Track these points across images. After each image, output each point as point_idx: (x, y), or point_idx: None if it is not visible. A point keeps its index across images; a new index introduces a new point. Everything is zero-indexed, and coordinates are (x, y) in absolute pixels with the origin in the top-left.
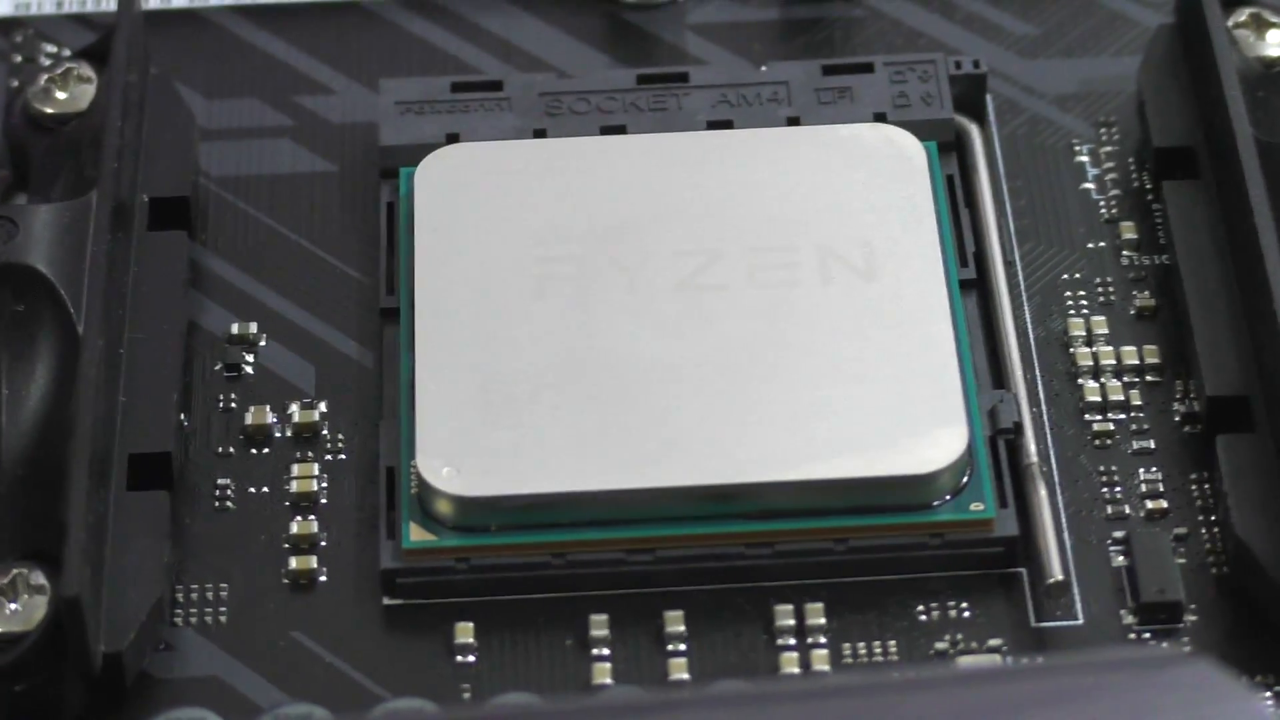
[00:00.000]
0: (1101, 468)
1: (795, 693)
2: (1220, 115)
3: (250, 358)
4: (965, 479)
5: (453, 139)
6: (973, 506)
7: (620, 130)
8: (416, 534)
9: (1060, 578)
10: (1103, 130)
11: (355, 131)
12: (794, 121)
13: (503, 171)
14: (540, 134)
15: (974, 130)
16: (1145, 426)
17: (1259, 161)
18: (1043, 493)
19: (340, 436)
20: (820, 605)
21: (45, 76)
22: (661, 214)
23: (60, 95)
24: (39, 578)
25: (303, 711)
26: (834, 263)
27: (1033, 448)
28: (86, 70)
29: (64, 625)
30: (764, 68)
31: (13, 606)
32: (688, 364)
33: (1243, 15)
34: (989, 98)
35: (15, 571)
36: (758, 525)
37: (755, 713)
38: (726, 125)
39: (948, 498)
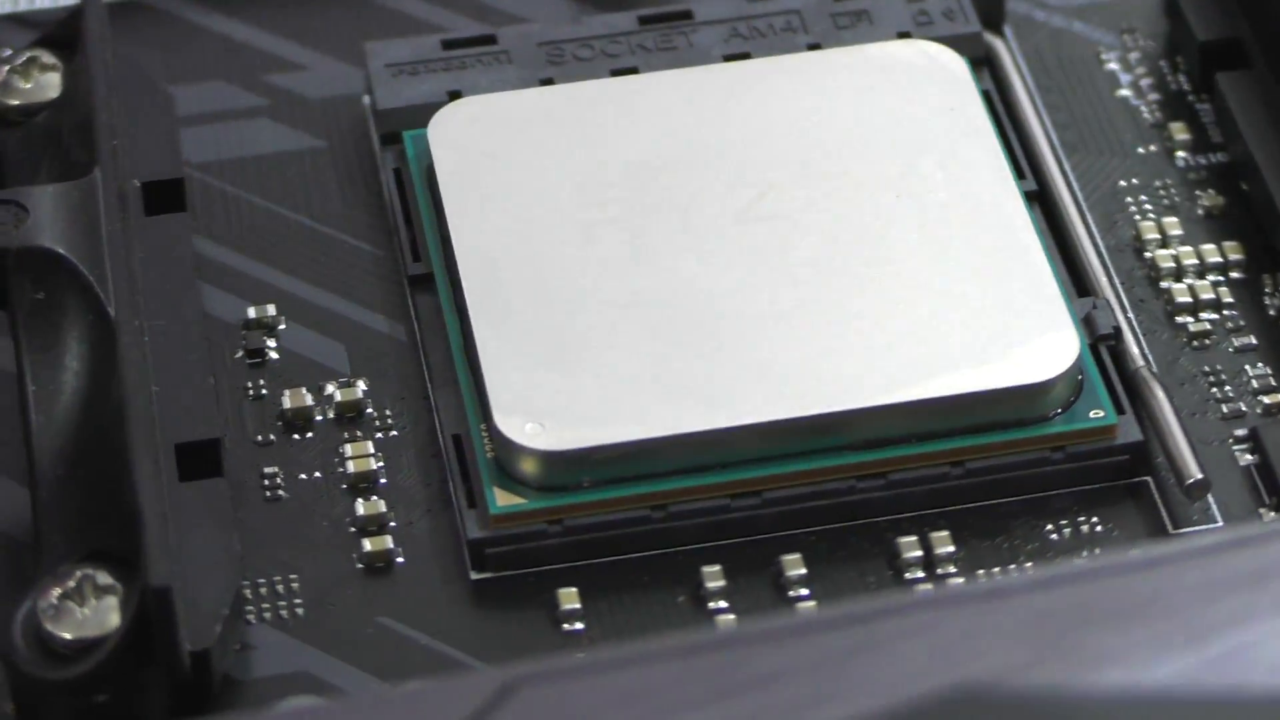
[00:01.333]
0: (1205, 368)
1: (1037, 580)
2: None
3: (272, 342)
4: (1077, 389)
5: (454, 97)
6: (1092, 414)
7: (632, 72)
8: (503, 498)
9: (1200, 476)
10: (1126, 36)
11: (338, 104)
12: (815, 48)
13: (523, 121)
14: (547, 83)
15: (1001, 44)
16: (1241, 323)
17: None
18: (1160, 394)
19: (388, 412)
20: (946, 534)
21: (6, 68)
22: (703, 148)
23: (24, 85)
24: (106, 578)
25: None
26: (898, 180)
27: (1136, 351)
28: (49, 58)
29: (153, 621)
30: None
31: (82, 611)
32: (765, 294)
33: None
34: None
35: (80, 573)
36: (867, 455)
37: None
38: (743, 58)
39: (1059, 411)
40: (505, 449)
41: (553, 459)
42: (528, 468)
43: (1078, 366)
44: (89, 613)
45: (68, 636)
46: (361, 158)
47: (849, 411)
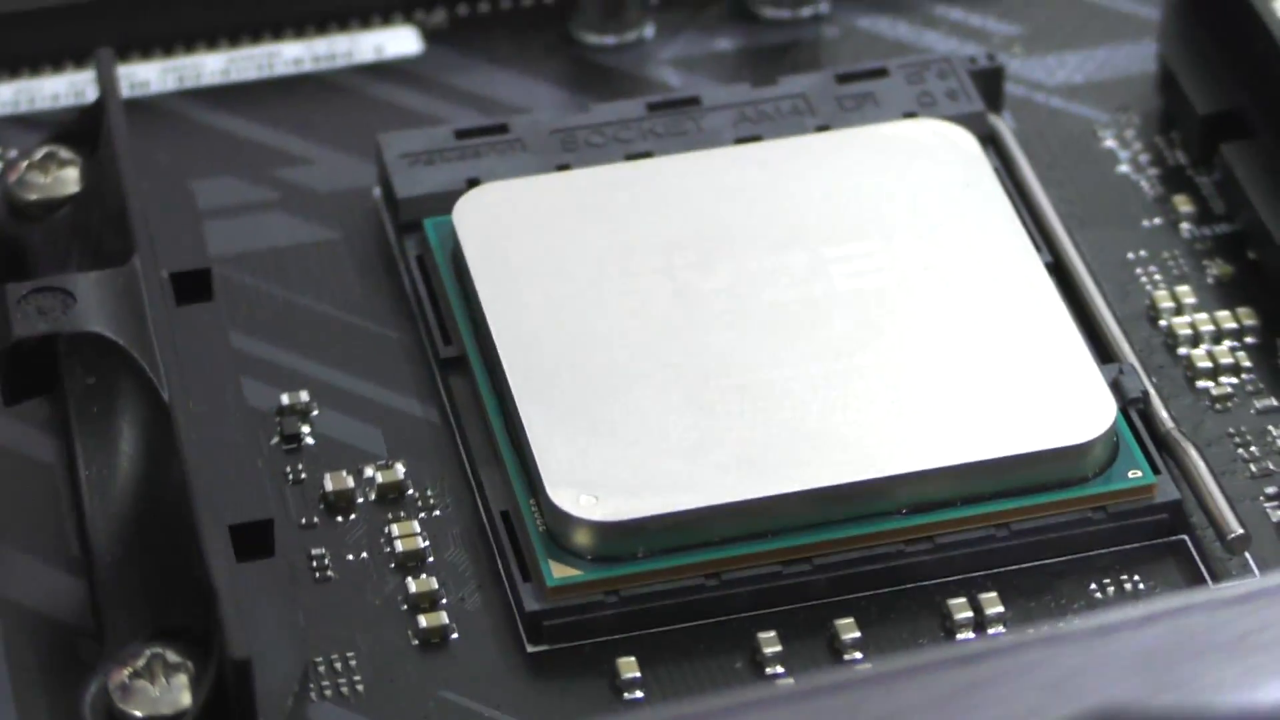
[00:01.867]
0: (1230, 429)
1: (1140, 617)
2: (1275, 68)
3: (307, 428)
4: (1113, 451)
5: (473, 184)
6: (1130, 474)
7: (647, 156)
8: (559, 571)
9: (1241, 530)
10: (1120, 114)
11: (348, 197)
12: (823, 129)
13: (546, 204)
14: (564, 169)
15: (1003, 123)
16: (1261, 385)
17: None
18: (1194, 453)
19: (429, 492)
20: (994, 594)
21: (24, 164)
22: (730, 226)
23: (43, 180)
24: (174, 656)
25: None
26: (923, 253)
27: (1165, 414)
28: (66, 154)
29: (231, 694)
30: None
31: (153, 690)
32: (804, 365)
33: None
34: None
35: (150, 652)
36: (914, 519)
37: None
38: (755, 140)
39: (1096, 473)
40: (559, 522)
41: (608, 530)
42: (582, 539)
43: (1114, 428)
44: (159, 692)
45: (140, 715)
46: (377, 247)
47: (896, 476)
